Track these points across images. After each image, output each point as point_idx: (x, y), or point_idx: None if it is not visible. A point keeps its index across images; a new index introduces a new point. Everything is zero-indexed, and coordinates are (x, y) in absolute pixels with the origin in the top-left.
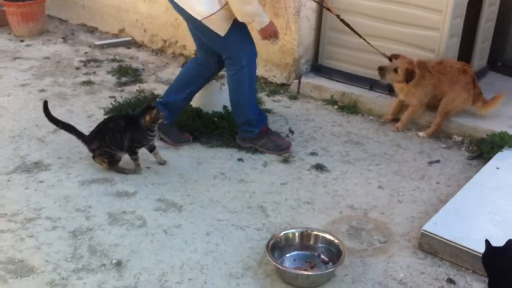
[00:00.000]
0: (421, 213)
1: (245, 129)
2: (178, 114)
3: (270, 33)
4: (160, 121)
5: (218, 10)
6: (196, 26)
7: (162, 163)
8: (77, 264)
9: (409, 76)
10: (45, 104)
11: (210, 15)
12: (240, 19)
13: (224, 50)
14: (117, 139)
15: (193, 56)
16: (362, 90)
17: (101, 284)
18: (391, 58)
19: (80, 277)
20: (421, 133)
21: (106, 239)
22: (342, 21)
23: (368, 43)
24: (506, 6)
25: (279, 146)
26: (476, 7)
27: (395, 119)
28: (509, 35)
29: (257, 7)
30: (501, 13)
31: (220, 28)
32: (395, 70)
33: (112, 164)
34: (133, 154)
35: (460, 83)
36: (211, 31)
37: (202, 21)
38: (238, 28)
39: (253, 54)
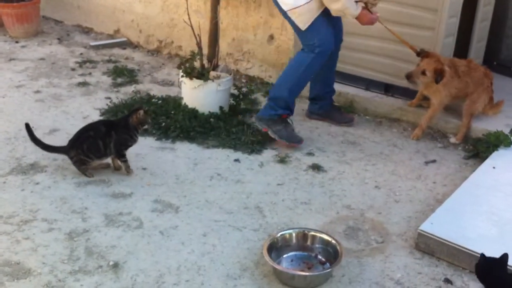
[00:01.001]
0: (418, 212)
1: (271, 105)
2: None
3: (365, 22)
4: (145, 126)
5: (304, 4)
6: (282, 12)
7: (118, 168)
8: (73, 266)
9: (438, 75)
10: (27, 126)
11: (294, 8)
12: (333, 14)
13: (303, 39)
14: (98, 147)
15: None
16: (357, 90)
17: (98, 286)
18: (419, 53)
19: (77, 279)
20: (452, 139)
21: (102, 240)
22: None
23: (399, 37)
24: (502, 5)
25: (290, 138)
26: (472, 7)
27: (420, 105)
28: (504, 34)
29: (344, 3)
30: (497, 13)
31: (301, 21)
32: (423, 73)
33: (81, 166)
34: (122, 156)
35: (483, 85)
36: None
37: (287, 12)
38: (322, 20)
39: (327, 47)
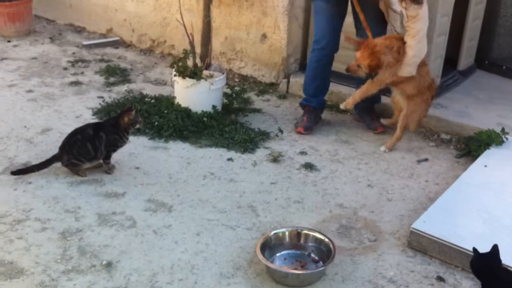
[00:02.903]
0: (410, 211)
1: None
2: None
3: None
4: (137, 126)
5: None
6: None
7: (109, 172)
8: (66, 265)
9: (373, 71)
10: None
11: None
12: None
13: None
14: (88, 149)
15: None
16: (350, 89)
17: (91, 285)
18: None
19: (70, 278)
20: (382, 148)
21: (95, 240)
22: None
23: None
24: (493, 4)
25: (297, 124)
26: (463, 6)
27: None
28: (495, 33)
29: None
30: (488, 12)
31: None
32: (359, 66)
33: (73, 168)
34: (107, 158)
35: (423, 96)
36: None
37: None
38: (327, 17)
39: (322, 43)
